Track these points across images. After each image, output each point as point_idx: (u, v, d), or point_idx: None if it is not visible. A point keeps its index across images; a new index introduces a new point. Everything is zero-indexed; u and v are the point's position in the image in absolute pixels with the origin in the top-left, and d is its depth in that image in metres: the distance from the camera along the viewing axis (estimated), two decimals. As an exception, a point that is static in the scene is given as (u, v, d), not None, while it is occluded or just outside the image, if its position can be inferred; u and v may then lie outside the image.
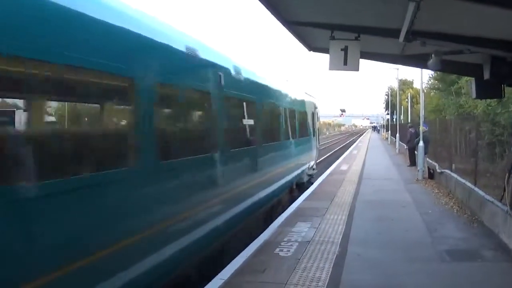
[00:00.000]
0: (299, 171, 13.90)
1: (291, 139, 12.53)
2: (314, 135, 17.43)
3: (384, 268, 6.37)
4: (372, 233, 8.40)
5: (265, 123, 9.96)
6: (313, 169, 17.66)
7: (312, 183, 15.62)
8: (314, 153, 17.83)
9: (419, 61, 8.57)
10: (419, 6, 4.87)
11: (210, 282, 5.72)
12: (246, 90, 8.39)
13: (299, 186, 14.56)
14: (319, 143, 21.00)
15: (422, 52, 7.38)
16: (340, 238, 7.86)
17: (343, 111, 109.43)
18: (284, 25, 7.11)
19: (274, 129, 10.99)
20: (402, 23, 5.74)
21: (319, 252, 7.00)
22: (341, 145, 52.58)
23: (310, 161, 16.48)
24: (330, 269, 6.21)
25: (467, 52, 6.69)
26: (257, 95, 9.13)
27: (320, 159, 30.82)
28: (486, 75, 7.30)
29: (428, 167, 17.01)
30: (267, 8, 6.13)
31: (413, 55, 8.34)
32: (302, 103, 15.21)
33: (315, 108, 18.51)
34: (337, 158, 28.30)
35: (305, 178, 15.51)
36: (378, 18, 6.46)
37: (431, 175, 16.37)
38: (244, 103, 8.41)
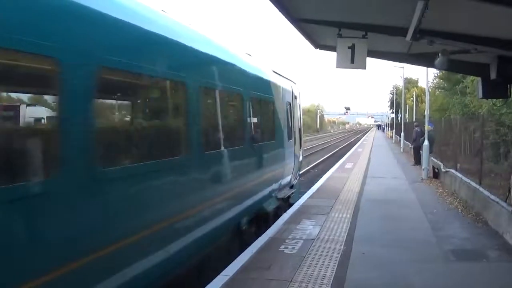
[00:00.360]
0: (254, 199, 8.36)
1: (235, 146, 7.35)
2: (291, 137, 11.35)
3: (389, 267, 6.38)
4: (377, 231, 8.41)
5: (164, 121, 5.61)
6: (291, 186, 11.71)
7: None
8: (291, 164, 11.36)
9: (425, 60, 8.57)
10: (427, 5, 4.88)
11: (215, 279, 5.74)
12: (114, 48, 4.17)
13: (262, 216, 9.04)
14: (302, 147, 13.76)
15: (429, 51, 7.38)
16: (345, 236, 7.87)
17: (347, 109, 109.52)
18: (291, 23, 7.12)
19: (191, 131, 5.67)
20: (409, 21, 5.75)
21: (324, 250, 7.01)
22: (346, 143, 52.57)
23: (283, 178, 10.55)
24: (335, 267, 6.23)
25: (474, 52, 6.69)
26: (145, 63, 4.66)
27: (325, 156, 30.86)
28: (493, 75, 7.30)
29: (433, 166, 16.97)
30: (275, 6, 6.15)
31: (419, 54, 8.34)
32: (268, 88, 9.56)
33: (295, 97, 12.16)
34: (342, 156, 28.26)
35: (272, 205, 9.79)
36: (385, 16, 6.47)
37: (436, 174, 16.33)
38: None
